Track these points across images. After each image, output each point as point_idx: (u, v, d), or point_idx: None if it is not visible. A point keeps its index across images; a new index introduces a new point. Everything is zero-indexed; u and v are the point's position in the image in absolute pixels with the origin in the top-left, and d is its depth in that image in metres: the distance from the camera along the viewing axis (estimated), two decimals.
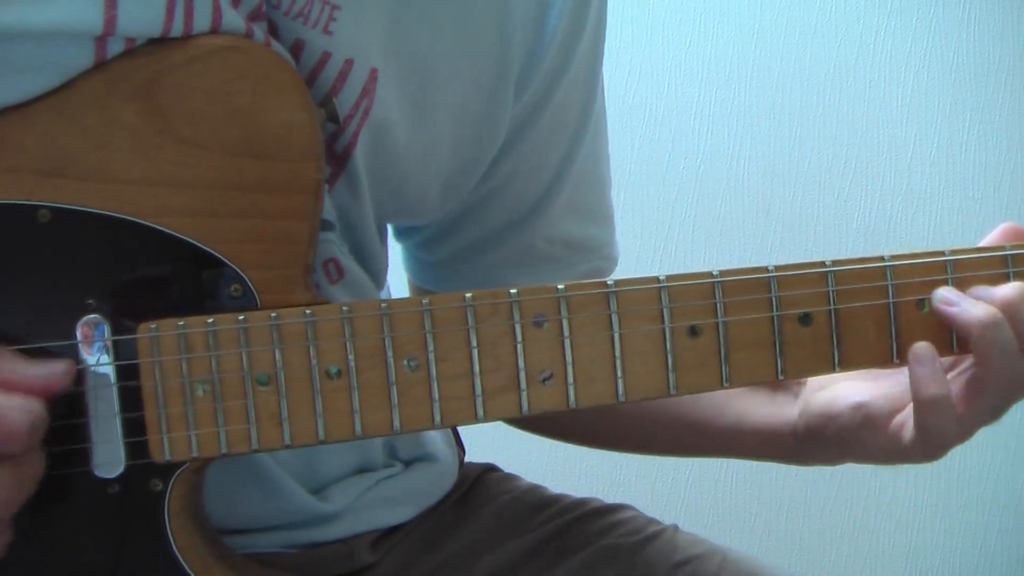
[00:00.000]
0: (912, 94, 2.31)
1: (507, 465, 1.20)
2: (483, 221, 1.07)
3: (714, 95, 2.27)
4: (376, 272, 1.01)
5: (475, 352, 0.82)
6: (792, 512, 2.29)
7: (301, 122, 0.81)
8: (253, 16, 0.84)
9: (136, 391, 0.79)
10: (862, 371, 0.94)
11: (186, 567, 0.81)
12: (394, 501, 1.04)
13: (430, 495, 1.09)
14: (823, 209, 2.29)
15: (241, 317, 0.80)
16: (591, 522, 1.10)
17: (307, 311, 0.80)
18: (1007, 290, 0.86)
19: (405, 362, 0.81)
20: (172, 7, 0.79)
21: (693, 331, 0.85)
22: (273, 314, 0.80)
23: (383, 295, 1.05)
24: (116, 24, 0.78)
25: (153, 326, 0.79)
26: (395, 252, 1.11)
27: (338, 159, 0.91)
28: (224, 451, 0.80)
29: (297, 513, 0.96)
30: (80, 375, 0.78)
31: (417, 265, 1.13)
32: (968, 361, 0.90)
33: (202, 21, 0.80)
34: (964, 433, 0.89)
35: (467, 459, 1.19)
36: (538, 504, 1.13)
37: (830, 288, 0.86)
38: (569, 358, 0.83)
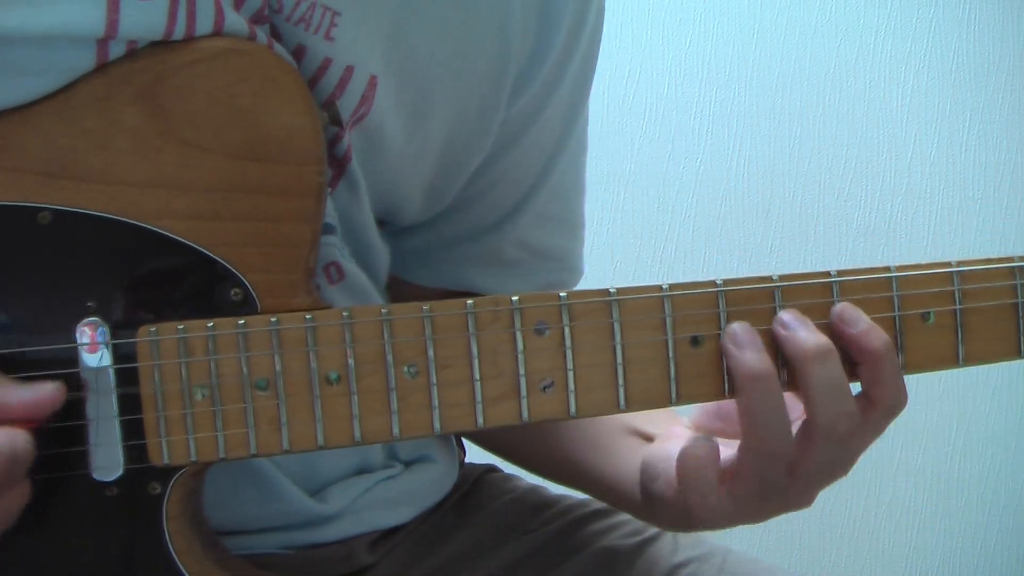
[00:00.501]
0: (912, 94, 2.31)
1: (508, 465, 1.20)
2: (458, 222, 1.07)
3: (714, 95, 2.28)
4: (377, 273, 1.01)
5: (475, 359, 0.81)
6: (792, 513, 2.28)
7: (304, 125, 0.81)
8: (255, 19, 0.84)
9: (135, 394, 0.79)
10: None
11: (184, 571, 0.81)
12: (393, 502, 1.04)
13: (430, 496, 1.08)
14: (823, 209, 2.29)
15: (241, 321, 0.79)
16: (592, 523, 1.10)
17: (307, 316, 0.80)
18: (860, 328, 0.84)
19: (405, 368, 0.80)
20: (174, 10, 0.79)
21: (695, 341, 0.84)
22: (273, 319, 0.79)
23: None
24: (118, 27, 0.78)
25: (153, 329, 0.78)
26: None
27: (338, 162, 0.91)
28: (222, 455, 0.80)
29: (295, 514, 0.96)
30: (79, 378, 0.78)
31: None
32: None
33: (204, 24, 0.80)
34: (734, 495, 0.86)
35: (468, 459, 1.19)
36: (539, 505, 1.13)
37: (835, 299, 0.86)
38: (570, 366, 0.82)
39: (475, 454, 1.20)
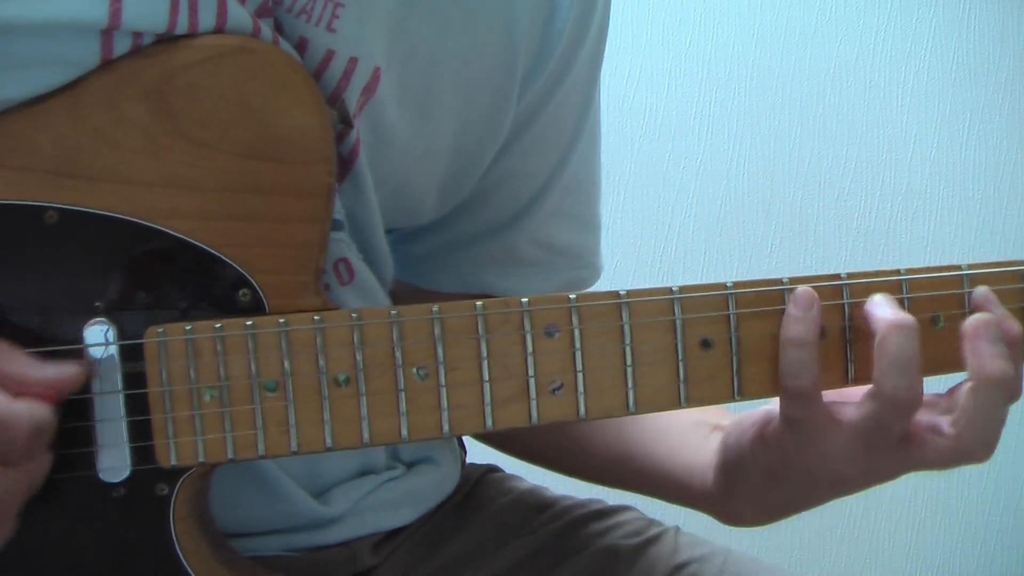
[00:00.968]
0: (912, 94, 2.31)
1: (509, 466, 1.20)
2: (472, 219, 1.07)
3: (714, 95, 2.28)
4: (384, 273, 1.00)
5: (485, 361, 0.81)
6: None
7: (313, 125, 0.81)
8: (260, 13, 0.83)
9: (143, 395, 0.78)
10: None
11: (191, 572, 0.81)
12: (396, 503, 1.03)
13: (432, 497, 1.08)
14: (823, 209, 2.29)
15: (249, 322, 0.79)
16: (593, 523, 1.10)
17: (316, 317, 0.80)
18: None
19: (414, 370, 0.80)
20: (176, 1, 0.79)
21: (706, 343, 0.84)
22: (282, 320, 0.79)
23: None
24: (121, 17, 0.77)
25: (160, 330, 0.78)
26: None
27: (344, 160, 0.90)
28: (231, 457, 0.80)
29: (299, 516, 0.96)
30: (86, 379, 0.78)
31: (398, 256, 1.13)
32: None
33: (207, 15, 0.80)
34: (847, 444, 0.85)
35: (469, 459, 1.19)
36: (540, 505, 1.12)
37: (845, 301, 0.86)
38: (579, 368, 0.82)
39: (476, 454, 1.20)
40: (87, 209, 0.78)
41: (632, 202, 2.23)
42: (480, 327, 0.81)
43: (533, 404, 0.82)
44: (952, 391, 0.86)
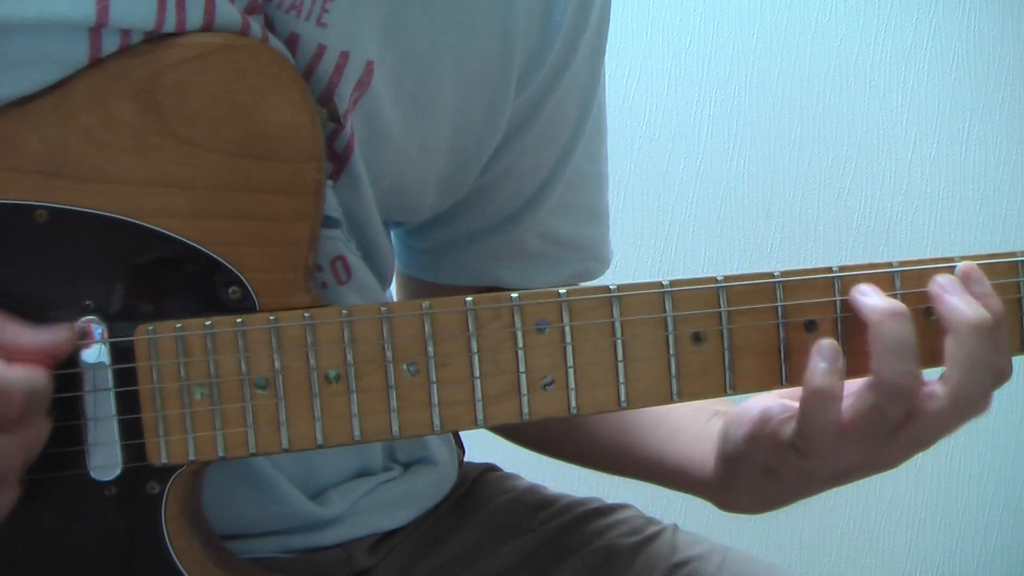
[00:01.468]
0: (912, 94, 2.31)
1: (507, 464, 1.20)
2: (476, 214, 1.07)
3: (714, 95, 2.27)
4: (384, 271, 1.00)
5: (476, 357, 0.81)
6: (792, 512, 2.27)
7: (303, 122, 0.81)
8: (249, 9, 0.83)
9: (133, 393, 0.79)
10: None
11: (183, 570, 0.81)
12: (393, 504, 1.03)
13: (429, 498, 1.08)
14: (823, 209, 2.29)
15: (239, 320, 0.79)
16: (591, 522, 1.10)
17: (306, 314, 0.80)
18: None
19: (405, 366, 0.80)
20: None
21: (697, 337, 0.84)
22: (272, 317, 0.79)
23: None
24: (109, 14, 0.77)
25: (151, 328, 0.78)
26: None
27: (339, 156, 0.90)
28: (221, 455, 0.80)
29: (295, 518, 0.96)
30: (77, 377, 0.78)
31: (406, 252, 1.13)
32: None
33: (195, 13, 0.80)
34: (848, 440, 0.85)
35: (467, 458, 1.19)
36: (538, 504, 1.12)
37: (836, 296, 0.85)
38: (571, 363, 0.82)
39: (474, 453, 1.20)
40: (77, 208, 0.78)
41: (632, 202, 2.23)
42: (470, 323, 0.81)
43: (524, 400, 0.82)
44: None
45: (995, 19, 2.30)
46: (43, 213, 0.78)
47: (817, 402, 0.83)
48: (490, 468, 1.19)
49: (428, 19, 0.92)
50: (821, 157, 2.29)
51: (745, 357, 0.85)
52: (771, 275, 0.85)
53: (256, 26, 0.83)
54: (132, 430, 0.79)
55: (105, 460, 0.79)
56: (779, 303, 0.85)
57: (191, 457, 0.79)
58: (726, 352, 0.84)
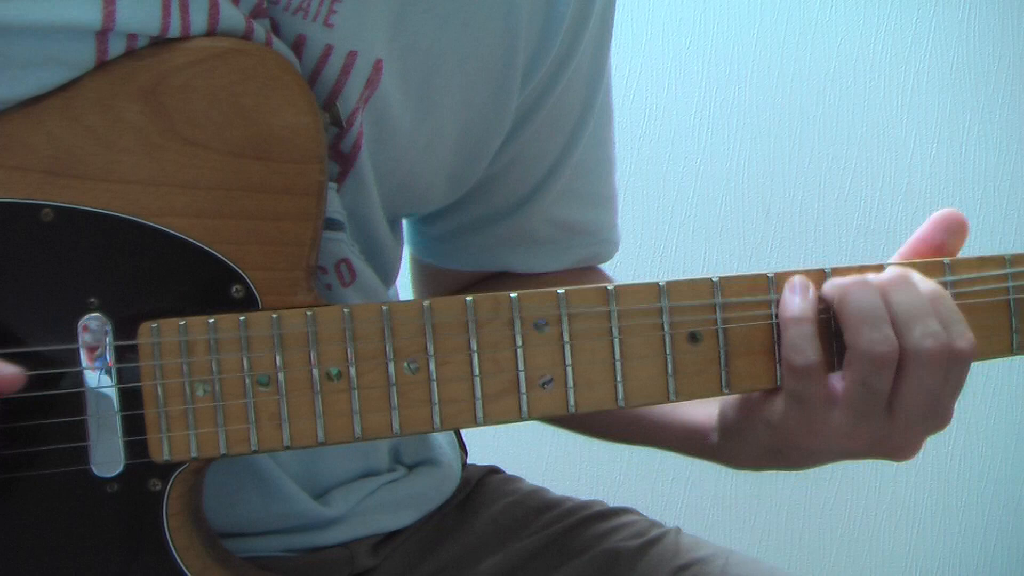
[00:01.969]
0: (912, 94, 2.31)
1: (510, 467, 1.20)
2: (483, 202, 1.08)
3: (714, 95, 2.27)
4: (387, 271, 1.01)
5: (475, 355, 0.82)
6: (792, 512, 2.29)
7: (305, 124, 0.82)
8: (255, 13, 0.84)
9: (136, 390, 0.79)
10: None
11: (184, 568, 0.81)
12: (397, 505, 1.04)
13: (433, 499, 1.08)
14: (823, 209, 2.29)
15: (242, 318, 0.80)
16: (593, 525, 1.10)
17: (308, 312, 0.80)
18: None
19: (405, 364, 0.81)
20: (168, 2, 0.79)
21: (693, 337, 0.85)
22: (274, 315, 0.80)
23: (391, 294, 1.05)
24: (115, 19, 0.78)
25: (154, 325, 0.79)
26: None
27: (345, 157, 0.91)
28: (224, 452, 0.80)
29: (298, 517, 0.96)
30: (80, 374, 0.78)
31: (417, 238, 1.14)
32: None
33: (199, 18, 0.81)
34: (844, 417, 0.85)
35: (469, 461, 1.19)
36: (540, 507, 1.12)
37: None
38: (569, 362, 0.83)
39: (476, 455, 1.20)
40: (82, 207, 0.79)
41: (632, 202, 2.23)
42: (470, 321, 0.81)
43: (523, 398, 0.82)
44: None
45: (995, 19, 2.30)
46: (49, 212, 0.78)
47: (795, 328, 0.84)
48: (493, 470, 1.19)
49: (432, 16, 0.93)
50: (821, 157, 2.29)
51: (741, 356, 0.86)
52: (765, 276, 0.86)
53: (260, 30, 0.83)
54: (134, 427, 0.79)
55: (107, 456, 0.79)
56: (773, 301, 0.86)
57: (193, 454, 0.80)
58: (722, 351, 0.85)
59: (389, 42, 0.91)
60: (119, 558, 0.80)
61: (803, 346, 0.84)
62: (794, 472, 0.94)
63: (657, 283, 0.84)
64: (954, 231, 0.91)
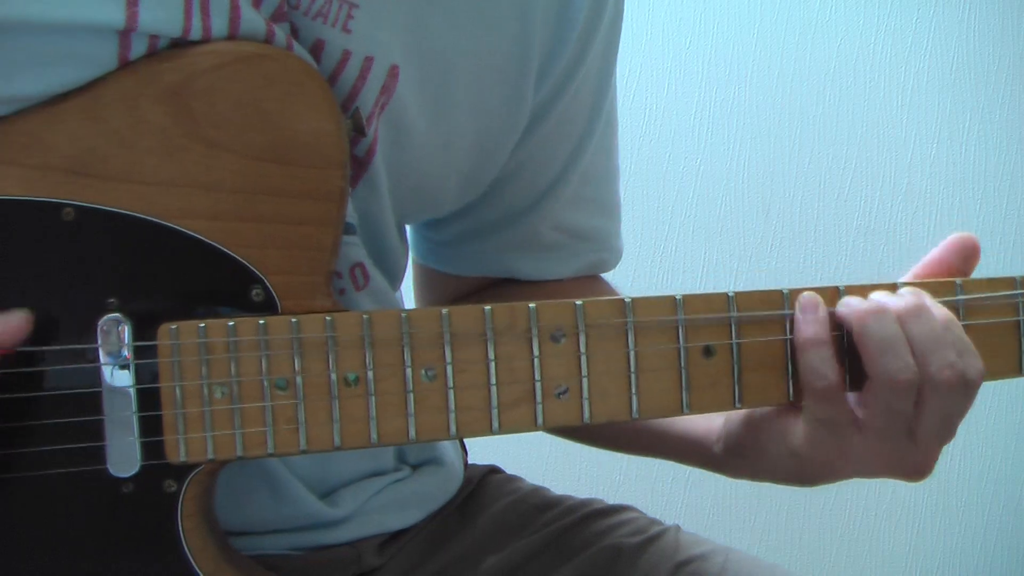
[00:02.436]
0: (912, 94, 2.31)
1: (509, 467, 1.21)
2: (491, 207, 1.08)
3: (714, 95, 2.28)
4: (394, 272, 1.02)
5: (492, 364, 0.82)
6: (792, 512, 2.29)
7: (328, 131, 0.82)
8: (275, 17, 0.84)
9: (154, 391, 0.79)
10: None
11: (197, 569, 0.82)
12: (402, 504, 1.04)
13: (437, 498, 1.09)
14: (823, 209, 2.29)
15: (261, 322, 0.80)
16: (595, 522, 1.11)
17: (327, 318, 0.80)
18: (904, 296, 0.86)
19: (423, 371, 0.81)
20: (189, 5, 0.80)
21: (707, 351, 0.85)
22: (293, 320, 0.80)
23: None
24: (138, 19, 0.79)
25: (173, 327, 0.79)
26: None
27: (359, 161, 0.91)
28: (240, 454, 0.80)
29: (305, 517, 0.97)
30: (98, 373, 0.79)
31: (423, 243, 1.14)
32: None
33: (220, 21, 0.81)
34: (868, 439, 0.87)
35: (470, 460, 1.20)
36: (541, 505, 1.13)
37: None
38: (584, 373, 0.83)
39: (476, 455, 1.21)
40: (103, 207, 0.79)
41: (632, 202, 2.22)
42: (488, 330, 0.82)
43: (539, 408, 0.83)
44: None
45: (995, 19, 2.30)
46: (70, 211, 0.79)
47: (813, 351, 0.85)
48: (493, 470, 1.20)
49: (448, 21, 0.93)
50: (821, 157, 2.30)
51: (754, 371, 0.86)
52: (780, 292, 0.86)
53: (281, 34, 0.84)
54: (151, 427, 0.80)
55: (123, 456, 0.79)
56: (787, 319, 0.86)
57: (210, 456, 0.80)
58: (736, 366, 0.86)
59: (405, 47, 0.91)
60: (132, 558, 0.81)
61: (823, 369, 0.84)
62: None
63: (673, 296, 0.84)
64: (968, 255, 0.92)
